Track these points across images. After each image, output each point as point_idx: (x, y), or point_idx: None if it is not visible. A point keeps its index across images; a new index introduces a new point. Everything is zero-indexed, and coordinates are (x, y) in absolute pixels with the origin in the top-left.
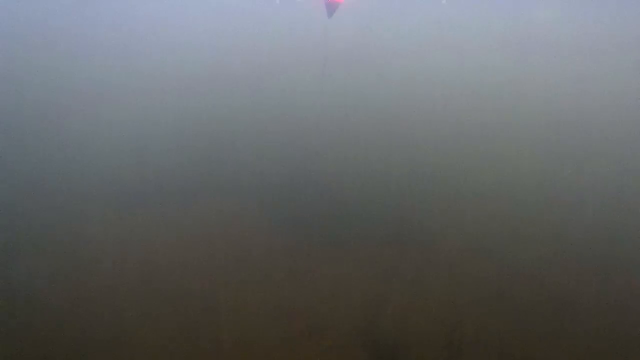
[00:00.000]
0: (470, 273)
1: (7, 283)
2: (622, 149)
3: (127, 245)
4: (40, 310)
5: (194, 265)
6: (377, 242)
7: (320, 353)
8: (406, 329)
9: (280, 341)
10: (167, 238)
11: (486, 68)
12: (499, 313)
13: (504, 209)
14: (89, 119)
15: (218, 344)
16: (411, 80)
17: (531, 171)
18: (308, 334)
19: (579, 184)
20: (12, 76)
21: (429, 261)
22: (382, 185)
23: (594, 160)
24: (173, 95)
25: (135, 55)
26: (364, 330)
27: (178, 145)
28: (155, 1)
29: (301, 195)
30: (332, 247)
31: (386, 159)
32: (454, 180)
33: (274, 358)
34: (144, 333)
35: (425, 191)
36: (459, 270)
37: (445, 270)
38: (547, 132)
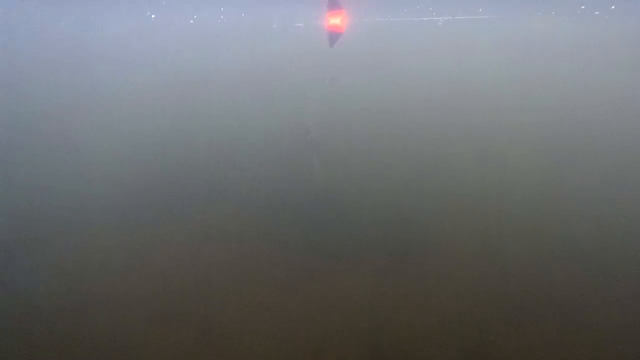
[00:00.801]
0: (479, 286)
1: (7, 284)
2: (624, 150)
3: (126, 251)
4: (39, 312)
5: (195, 283)
6: (382, 255)
7: None
8: (412, 344)
9: (284, 358)
10: (168, 250)
11: (488, 92)
12: (510, 324)
13: (509, 215)
14: (91, 125)
15: None
16: (414, 99)
17: (535, 177)
18: (312, 352)
19: (580, 186)
20: (15, 81)
21: (435, 275)
22: (385, 198)
23: (594, 161)
24: (177, 104)
25: (142, 68)
26: (369, 346)
27: (182, 156)
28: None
29: (306, 211)
30: (338, 263)
31: (390, 171)
32: (457, 190)
33: None
34: (143, 340)
35: (429, 203)
36: (466, 283)
37: (453, 284)
38: (549, 137)
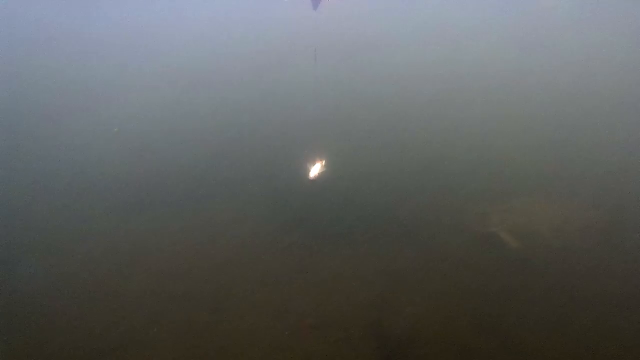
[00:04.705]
0: (477, 267)
1: (7, 284)
2: (624, 147)
3: (129, 246)
4: (39, 312)
5: (199, 262)
6: (383, 236)
7: (328, 346)
8: (414, 322)
9: (287, 335)
10: (171, 235)
11: (483, 61)
12: (505, 304)
13: (507, 204)
14: (90, 120)
15: (224, 339)
16: (409, 73)
17: (533, 166)
18: (315, 327)
19: (582, 179)
20: (13, 76)
21: (436, 254)
22: (385, 179)
23: (595, 157)
24: (173, 95)
25: (139, 56)
26: (371, 323)
27: (181, 147)
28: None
29: (305, 191)
30: (338, 242)
31: (390, 153)
32: (456, 174)
33: (281, 351)
34: (149, 333)
35: (430, 184)
36: (466, 263)
37: (453, 263)
38: (548, 129)
